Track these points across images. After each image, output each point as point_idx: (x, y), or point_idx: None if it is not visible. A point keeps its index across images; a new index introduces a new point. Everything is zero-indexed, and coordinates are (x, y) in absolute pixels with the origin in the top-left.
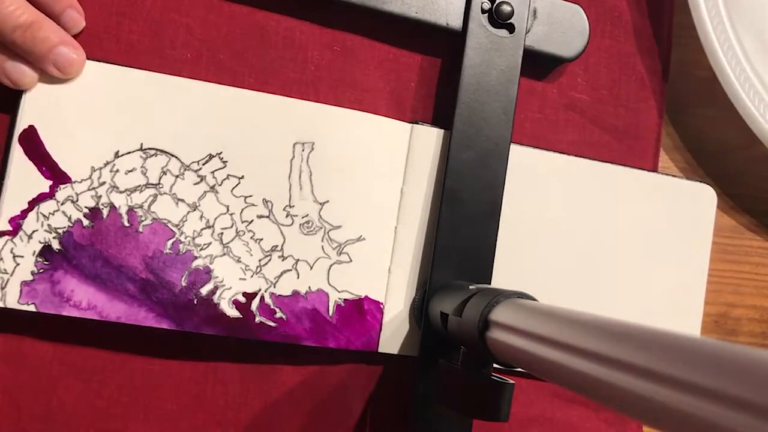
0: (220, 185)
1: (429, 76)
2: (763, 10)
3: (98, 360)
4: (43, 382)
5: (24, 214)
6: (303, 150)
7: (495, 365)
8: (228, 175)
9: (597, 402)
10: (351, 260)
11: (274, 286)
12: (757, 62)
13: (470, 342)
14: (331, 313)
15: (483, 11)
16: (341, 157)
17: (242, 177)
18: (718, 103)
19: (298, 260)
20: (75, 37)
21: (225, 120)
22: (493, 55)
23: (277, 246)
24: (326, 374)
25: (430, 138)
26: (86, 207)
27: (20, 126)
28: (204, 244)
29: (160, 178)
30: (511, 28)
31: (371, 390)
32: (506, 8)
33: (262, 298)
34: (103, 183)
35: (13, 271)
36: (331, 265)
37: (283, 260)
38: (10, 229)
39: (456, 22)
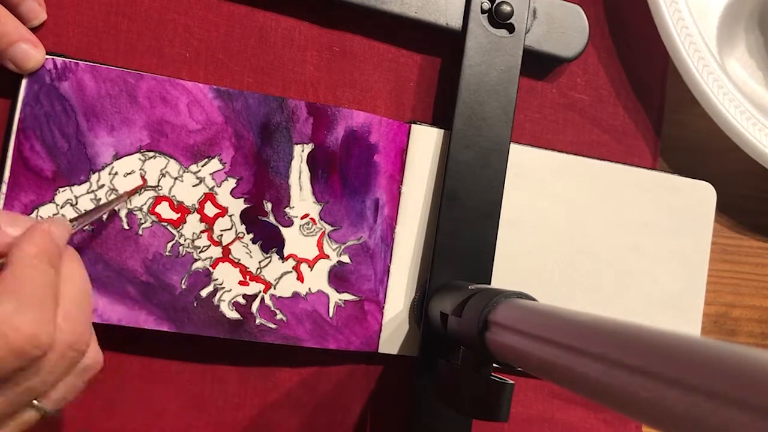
0: (219, 187)
1: (429, 75)
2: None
3: None
4: None
5: None
6: (303, 151)
7: (495, 365)
8: (227, 176)
9: (596, 402)
10: (351, 261)
11: (275, 288)
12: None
13: (470, 342)
14: (331, 314)
15: (483, 11)
16: (340, 158)
17: (241, 178)
18: None
19: (298, 261)
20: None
21: (224, 121)
22: (493, 55)
23: (276, 247)
24: (326, 375)
25: (429, 138)
26: (85, 210)
27: (18, 129)
28: (203, 247)
29: (159, 180)
30: (510, 28)
31: (371, 390)
32: (506, 8)
33: (263, 299)
34: (102, 186)
35: None
36: (332, 266)
37: (283, 262)
38: None
39: (456, 22)
